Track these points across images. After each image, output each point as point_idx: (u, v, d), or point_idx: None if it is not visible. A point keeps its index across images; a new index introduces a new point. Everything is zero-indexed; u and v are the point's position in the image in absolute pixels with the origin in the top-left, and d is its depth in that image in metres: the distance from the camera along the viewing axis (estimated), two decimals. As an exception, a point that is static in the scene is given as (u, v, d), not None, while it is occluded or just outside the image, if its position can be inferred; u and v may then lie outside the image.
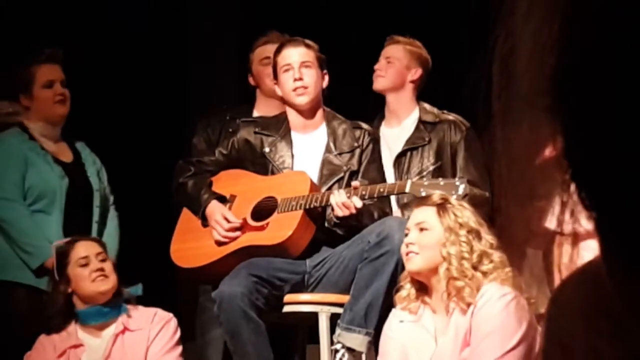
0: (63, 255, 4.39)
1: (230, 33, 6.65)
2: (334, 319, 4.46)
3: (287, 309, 4.55)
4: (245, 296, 4.35)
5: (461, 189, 4.25)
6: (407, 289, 3.99)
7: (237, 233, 4.63)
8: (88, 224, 4.86)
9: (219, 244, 4.67)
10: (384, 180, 4.76)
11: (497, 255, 3.81)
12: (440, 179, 4.42)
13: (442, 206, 3.96)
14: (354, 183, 4.51)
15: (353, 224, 4.52)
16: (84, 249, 4.39)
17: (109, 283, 4.32)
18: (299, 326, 4.89)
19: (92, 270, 4.31)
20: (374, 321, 4.37)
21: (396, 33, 5.17)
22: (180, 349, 4.32)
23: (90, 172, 4.98)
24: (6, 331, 4.51)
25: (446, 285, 3.83)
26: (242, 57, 6.53)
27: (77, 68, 5.09)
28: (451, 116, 4.92)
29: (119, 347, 4.24)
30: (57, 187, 4.79)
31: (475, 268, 3.81)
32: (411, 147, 4.92)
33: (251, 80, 5.36)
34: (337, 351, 4.36)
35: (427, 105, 5.01)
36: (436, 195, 4.09)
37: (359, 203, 4.42)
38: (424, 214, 4.01)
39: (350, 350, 4.36)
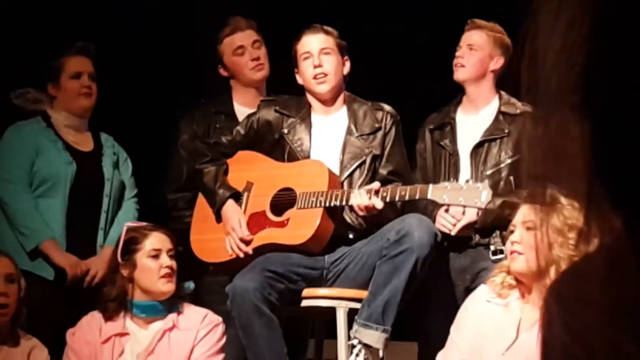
0: (134, 240, 4.32)
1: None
2: (351, 314, 4.46)
3: (305, 303, 4.55)
4: (258, 291, 4.34)
5: (484, 195, 4.19)
6: (501, 277, 3.86)
7: (249, 241, 4.62)
8: (96, 212, 4.85)
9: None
10: (407, 164, 4.73)
11: None
12: (463, 184, 4.35)
13: (550, 206, 3.78)
14: (375, 185, 4.46)
15: (374, 220, 4.50)
16: (157, 240, 4.31)
17: (174, 285, 4.26)
18: (317, 321, 4.89)
19: (161, 265, 4.25)
20: (392, 318, 4.36)
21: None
22: (223, 355, 4.29)
23: (105, 162, 4.98)
24: None
25: None
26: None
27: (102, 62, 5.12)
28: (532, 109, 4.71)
29: (164, 343, 4.20)
30: (62, 172, 4.80)
31: None
32: (489, 138, 4.76)
33: (223, 72, 5.22)
34: (354, 347, 4.36)
35: (507, 96, 4.84)
36: (547, 194, 3.91)
37: (379, 204, 4.38)
38: (532, 213, 3.83)
39: (367, 346, 4.35)
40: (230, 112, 5.15)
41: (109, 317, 4.24)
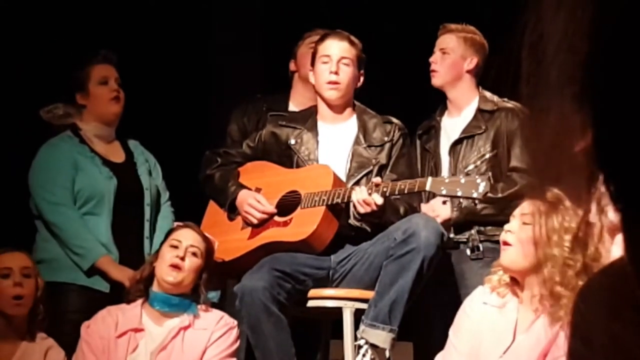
0: (168, 233, 4.45)
1: (253, 22, 6.64)
2: (358, 315, 4.46)
3: (311, 303, 4.55)
4: (267, 290, 4.34)
5: (482, 186, 4.22)
6: (499, 275, 3.79)
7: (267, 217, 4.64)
8: (140, 222, 4.90)
9: (245, 237, 4.67)
10: (412, 174, 4.74)
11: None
12: (461, 176, 4.39)
13: (552, 205, 3.55)
14: (375, 179, 4.49)
15: (375, 221, 4.50)
16: (181, 233, 4.38)
17: (179, 276, 4.28)
18: (323, 321, 4.89)
19: (173, 256, 4.30)
20: (398, 318, 4.36)
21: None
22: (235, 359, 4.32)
23: (141, 170, 5.01)
24: (61, 331, 4.51)
25: (546, 288, 3.55)
26: (264, 45, 6.53)
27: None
28: (510, 104, 4.76)
29: (178, 341, 4.22)
30: (105, 189, 4.83)
31: (578, 277, 3.47)
32: (467, 135, 4.83)
33: (293, 66, 5.14)
34: (360, 347, 4.35)
35: (487, 94, 4.89)
36: (551, 193, 3.83)
37: (379, 200, 4.40)
38: (531, 208, 3.70)
39: (373, 346, 4.35)
40: (283, 112, 5.11)
41: (130, 299, 4.32)
